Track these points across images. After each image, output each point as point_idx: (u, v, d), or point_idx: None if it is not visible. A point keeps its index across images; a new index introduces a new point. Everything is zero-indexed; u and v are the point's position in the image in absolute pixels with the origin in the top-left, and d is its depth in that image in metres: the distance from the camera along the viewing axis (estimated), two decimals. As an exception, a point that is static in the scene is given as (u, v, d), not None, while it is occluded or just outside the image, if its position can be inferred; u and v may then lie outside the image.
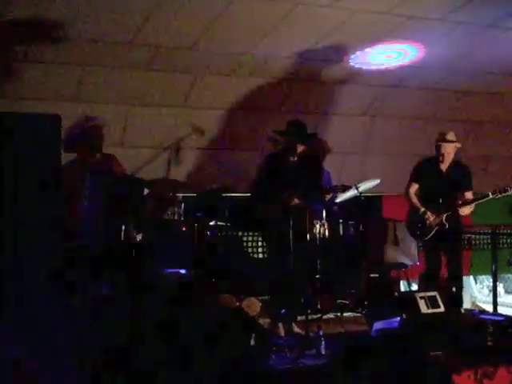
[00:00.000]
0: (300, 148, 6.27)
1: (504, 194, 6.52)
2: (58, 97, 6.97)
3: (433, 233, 6.64)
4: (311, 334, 5.38)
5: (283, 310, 6.04)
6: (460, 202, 6.62)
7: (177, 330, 4.42)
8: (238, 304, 5.83)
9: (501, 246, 9.01)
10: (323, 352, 5.01)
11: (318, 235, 6.21)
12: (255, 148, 7.86)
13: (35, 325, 4.13)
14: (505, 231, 9.66)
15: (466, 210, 6.64)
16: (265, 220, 6.27)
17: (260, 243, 8.18)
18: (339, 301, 6.44)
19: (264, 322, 5.87)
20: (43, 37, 6.34)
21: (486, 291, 9.93)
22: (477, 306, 7.21)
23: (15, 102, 6.70)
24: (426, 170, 6.88)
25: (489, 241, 8.27)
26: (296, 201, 6.08)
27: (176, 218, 6.61)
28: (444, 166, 6.74)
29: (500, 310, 7.86)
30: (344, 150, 8.70)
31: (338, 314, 6.23)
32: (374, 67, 7.69)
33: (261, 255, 8.17)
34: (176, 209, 6.61)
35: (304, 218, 5.98)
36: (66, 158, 6.23)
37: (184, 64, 7.15)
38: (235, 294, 5.95)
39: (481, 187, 6.93)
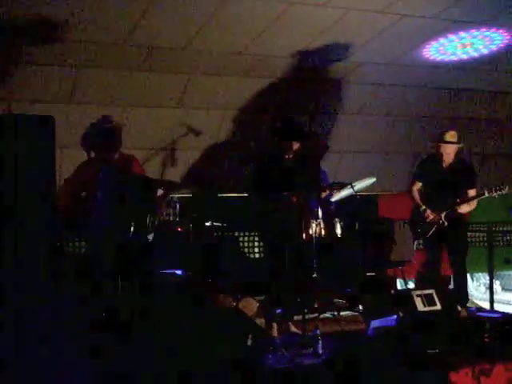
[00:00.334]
0: (295, 146, 6.25)
1: (500, 193, 6.52)
2: (52, 98, 6.97)
3: (432, 231, 6.65)
4: (308, 334, 5.37)
5: (279, 310, 6.03)
6: (458, 201, 6.61)
7: (175, 329, 4.42)
8: (234, 304, 5.82)
9: (497, 243, 9.03)
10: (320, 351, 5.00)
11: (314, 234, 6.19)
12: (251, 148, 7.86)
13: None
14: (501, 229, 9.69)
15: (464, 209, 6.63)
16: (261, 219, 6.26)
17: (256, 243, 8.17)
18: (336, 300, 6.43)
19: (261, 322, 5.85)
20: (38, 38, 6.33)
21: (482, 289, 9.94)
22: (473, 303, 7.20)
23: (10, 104, 6.68)
24: (427, 168, 6.88)
25: (485, 238, 8.28)
26: (293, 199, 6.06)
27: (171, 218, 6.60)
28: (446, 165, 6.73)
29: (496, 307, 7.87)
30: (340, 149, 8.71)
31: (335, 313, 6.21)
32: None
33: (257, 255, 8.16)
34: (172, 209, 6.61)
35: (300, 216, 5.97)
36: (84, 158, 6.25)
37: (178, 64, 7.15)
38: (232, 294, 5.94)
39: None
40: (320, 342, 5.01)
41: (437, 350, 4.58)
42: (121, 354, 4.21)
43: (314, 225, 6.21)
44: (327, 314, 6.26)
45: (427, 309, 4.97)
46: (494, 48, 7.58)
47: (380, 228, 7.03)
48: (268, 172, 6.26)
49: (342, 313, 6.33)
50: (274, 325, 5.89)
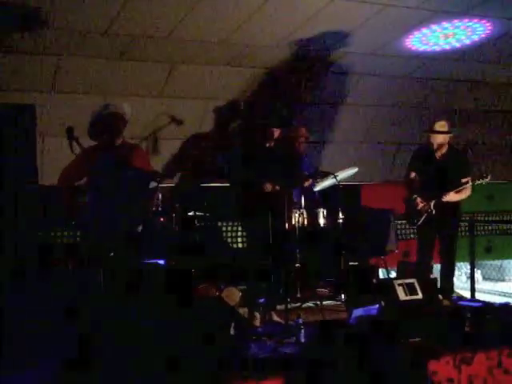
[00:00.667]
0: (276, 133, 6.23)
1: (482, 181, 6.56)
2: (33, 87, 6.92)
3: (422, 219, 6.68)
4: (291, 323, 5.39)
5: (262, 299, 6.04)
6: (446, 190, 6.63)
7: (158, 319, 4.41)
8: (217, 293, 5.82)
9: (478, 233, 9.09)
10: (303, 340, 5.01)
11: (296, 223, 6.20)
12: (234, 137, 7.85)
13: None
14: (482, 218, 9.76)
15: (451, 197, 6.64)
16: (243, 208, 6.25)
17: (239, 233, 8.17)
18: (318, 289, 6.45)
19: (244, 311, 5.86)
20: (18, 26, 6.26)
21: (464, 278, 10.00)
22: (455, 292, 7.24)
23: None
24: (420, 158, 6.92)
25: (467, 228, 8.32)
26: (269, 187, 6.05)
27: (154, 208, 6.57)
28: (438, 154, 6.75)
29: (478, 296, 7.92)
30: (323, 139, 8.73)
31: (318, 303, 6.24)
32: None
33: (240, 245, 8.16)
34: (154, 199, 6.58)
35: (282, 205, 5.97)
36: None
37: (160, 53, 7.11)
38: (215, 284, 5.94)
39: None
40: (302, 331, 5.03)
41: (418, 339, 4.60)
42: (106, 343, 4.20)
43: (296, 214, 6.22)
44: (310, 304, 6.29)
45: (409, 298, 4.99)
46: (476, 38, 7.61)
47: (362, 218, 7.06)
48: (248, 159, 6.24)
49: (324, 302, 6.36)
50: (257, 314, 5.91)
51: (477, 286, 8.38)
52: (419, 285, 5.08)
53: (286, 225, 6.08)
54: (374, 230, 7.05)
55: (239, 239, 8.23)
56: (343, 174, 6.93)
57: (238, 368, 4.09)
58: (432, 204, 6.62)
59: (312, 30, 7.04)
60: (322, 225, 6.54)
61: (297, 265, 6.25)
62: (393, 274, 7.51)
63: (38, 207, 5.04)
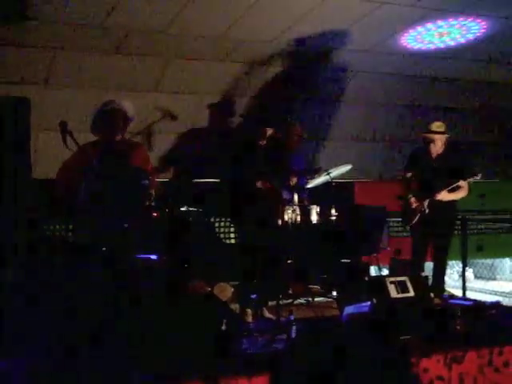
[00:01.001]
0: (269, 131, 6.22)
1: (472, 179, 6.56)
2: (27, 80, 6.89)
3: (416, 219, 6.69)
4: (282, 319, 5.40)
5: (254, 296, 6.05)
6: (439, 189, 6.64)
7: (149, 315, 4.41)
8: (209, 289, 5.82)
9: (470, 231, 9.11)
10: (293, 337, 5.02)
11: (289, 220, 6.20)
12: (228, 133, 7.85)
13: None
14: (474, 217, 9.78)
15: (445, 196, 6.65)
16: (235, 205, 6.24)
17: (232, 229, 8.16)
18: (311, 286, 6.46)
19: (236, 307, 5.87)
20: (13, 19, 6.24)
21: (455, 276, 10.04)
22: (446, 290, 7.27)
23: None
24: (417, 158, 6.93)
25: (458, 227, 8.34)
26: (260, 184, 6.05)
27: (147, 203, 6.56)
28: (434, 154, 6.76)
29: (469, 294, 7.96)
30: (317, 136, 8.73)
31: (310, 299, 6.25)
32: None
33: (233, 241, 8.16)
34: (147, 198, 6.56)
35: (273, 202, 5.97)
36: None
37: (155, 48, 7.10)
38: (206, 280, 5.94)
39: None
40: (294, 327, 5.04)
41: (409, 337, 4.62)
42: (96, 342, 4.20)
43: (289, 211, 6.22)
44: (302, 300, 6.30)
45: (400, 295, 5.00)
46: (470, 37, 7.62)
47: (355, 215, 7.07)
48: (240, 158, 6.23)
49: (316, 299, 6.37)
50: (249, 310, 5.91)
51: (468, 284, 8.43)
52: (411, 283, 5.09)
53: (280, 222, 6.07)
54: (366, 227, 7.06)
55: (231, 235, 8.23)
56: (336, 172, 6.94)
57: (229, 364, 4.09)
58: (426, 203, 6.63)
59: (307, 27, 7.04)
60: (314, 222, 6.54)
61: (289, 261, 6.25)
62: (385, 272, 7.52)
63: (32, 202, 5.03)
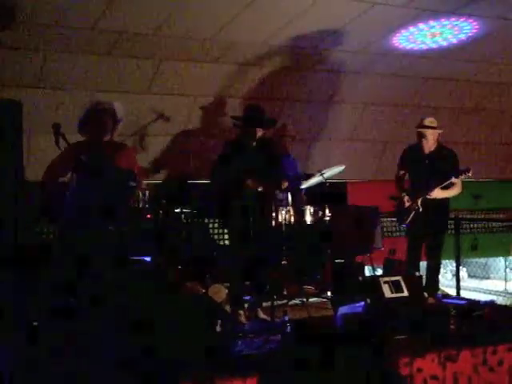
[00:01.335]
0: (259, 133, 6.20)
1: (464, 176, 6.55)
2: (20, 83, 6.88)
3: (410, 217, 6.70)
4: (277, 320, 5.40)
5: (249, 297, 6.05)
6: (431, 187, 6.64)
7: (144, 316, 4.40)
8: (203, 291, 5.82)
9: (464, 231, 9.13)
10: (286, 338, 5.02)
11: (283, 221, 6.20)
12: (220, 135, 7.83)
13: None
14: (467, 216, 9.81)
15: (438, 194, 6.64)
16: (227, 207, 6.21)
17: (226, 230, 8.16)
18: (305, 286, 6.46)
19: (230, 308, 5.87)
20: (4, 21, 6.22)
21: (449, 275, 10.06)
22: (440, 290, 7.27)
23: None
24: (409, 157, 6.93)
25: (452, 226, 8.35)
26: (250, 183, 6.04)
27: (141, 205, 6.55)
28: (427, 151, 6.75)
29: (463, 294, 7.98)
30: (309, 137, 8.74)
31: (304, 300, 6.25)
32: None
33: (227, 242, 8.15)
34: (141, 196, 6.55)
35: (266, 203, 5.96)
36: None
37: (147, 50, 7.09)
38: (201, 281, 5.93)
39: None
40: (289, 328, 5.04)
41: (404, 336, 4.62)
42: (92, 343, 4.19)
43: (283, 212, 6.22)
44: (296, 301, 6.30)
45: (394, 295, 5.01)
46: (463, 37, 7.64)
47: (349, 215, 7.07)
48: (231, 159, 6.20)
49: (310, 299, 6.37)
50: (241, 312, 5.91)
51: (462, 283, 8.44)
52: (405, 282, 5.09)
53: (273, 223, 6.07)
54: (360, 227, 7.06)
55: (225, 236, 8.22)
56: (330, 172, 6.94)
57: (224, 365, 4.09)
58: (419, 201, 6.64)
59: (300, 28, 7.04)
60: (308, 222, 6.54)
61: (283, 262, 6.24)
62: (379, 272, 7.53)
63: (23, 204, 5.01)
